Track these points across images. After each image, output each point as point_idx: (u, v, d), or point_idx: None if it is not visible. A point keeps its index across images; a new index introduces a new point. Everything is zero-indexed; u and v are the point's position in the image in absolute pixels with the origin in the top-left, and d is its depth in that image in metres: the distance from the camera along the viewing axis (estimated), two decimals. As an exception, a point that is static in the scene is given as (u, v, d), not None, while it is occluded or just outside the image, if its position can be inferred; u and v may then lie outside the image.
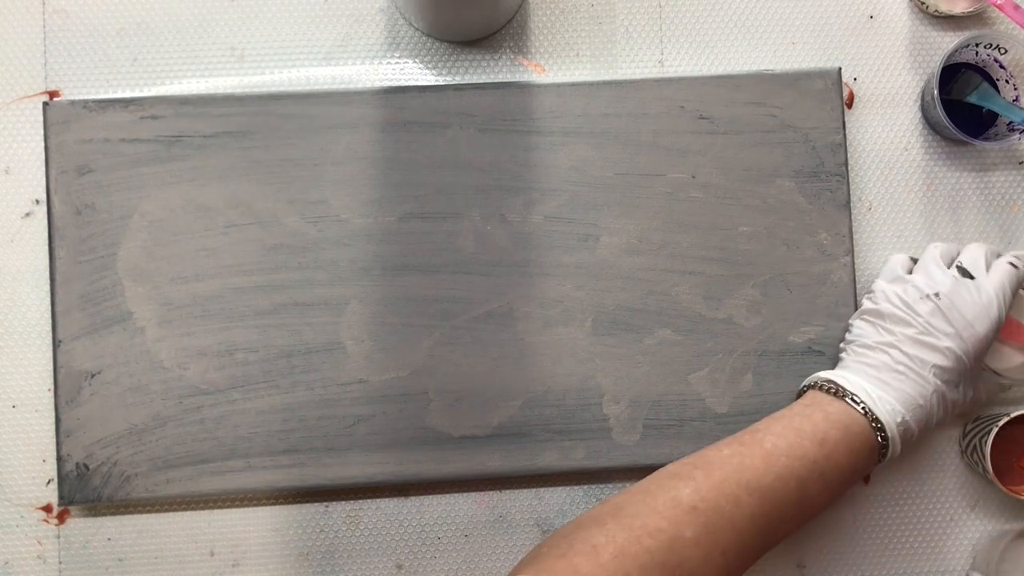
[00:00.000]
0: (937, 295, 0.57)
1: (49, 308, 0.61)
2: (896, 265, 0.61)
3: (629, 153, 0.63)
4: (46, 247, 0.62)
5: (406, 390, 0.62)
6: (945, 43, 0.67)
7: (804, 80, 0.64)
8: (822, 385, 0.57)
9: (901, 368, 0.56)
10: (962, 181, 0.67)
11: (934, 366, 0.56)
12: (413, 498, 0.64)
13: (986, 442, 0.60)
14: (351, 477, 0.61)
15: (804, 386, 0.59)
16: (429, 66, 0.65)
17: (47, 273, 0.62)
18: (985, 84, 0.65)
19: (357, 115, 0.62)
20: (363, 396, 0.62)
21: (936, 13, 0.66)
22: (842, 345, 0.61)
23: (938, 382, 0.56)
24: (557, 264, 0.63)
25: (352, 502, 0.63)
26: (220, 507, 0.63)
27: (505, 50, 0.66)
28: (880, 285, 0.60)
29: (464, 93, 0.63)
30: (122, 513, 0.63)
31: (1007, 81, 0.65)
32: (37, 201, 0.63)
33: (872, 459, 0.55)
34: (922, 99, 0.66)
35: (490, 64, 0.65)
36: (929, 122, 0.66)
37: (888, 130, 0.66)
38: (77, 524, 0.62)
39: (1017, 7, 0.63)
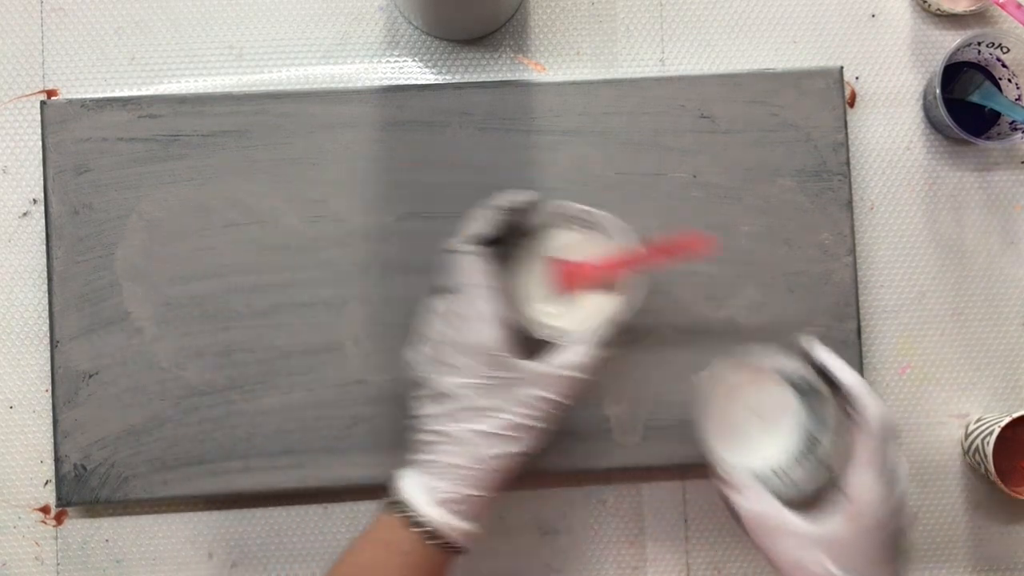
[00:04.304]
0: (428, 342, 0.52)
1: (47, 308, 0.61)
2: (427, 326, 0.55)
3: (630, 152, 0.63)
4: (43, 247, 0.62)
5: (405, 390, 0.61)
6: (947, 42, 0.66)
7: (806, 79, 0.64)
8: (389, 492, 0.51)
9: (431, 437, 0.50)
10: (964, 180, 0.66)
11: (461, 410, 0.50)
12: (412, 499, 0.63)
13: (988, 443, 0.60)
14: (350, 478, 0.61)
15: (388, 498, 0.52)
16: (428, 65, 0.65)
17: (45, 273, 0.62)
18: (987, 83, 0.65)
19: (356, 114, 0.62)
20: (362, 397, 0.61)
21: (938, 12, 0.66)
22: None
23: (474, 428, 0.49)
24: (557, 264, 0.62)
25: (351, 503, 0.63)
26: (218, 508, 0.62)
27: (505, 48, 0.65)
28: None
29: (464, 92, 0.63)
30: (120, 514, 0.62)
31: (1009, 80, 0.65)
32: (35, 201, 0.63)
33: (433, 556, 0.49)
34: (924, 98, 0.66)
35: (490, 63, 0.65)
36: (931, 121, 0.66)
37: (890, 129, 0.66)
38: (75, 525, 0.62)
39: (1019, 6, 0.62)
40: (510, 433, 0.50)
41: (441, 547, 0.49)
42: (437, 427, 0.50)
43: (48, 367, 0.62)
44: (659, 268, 0.51)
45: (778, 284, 0.63)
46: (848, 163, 0.64)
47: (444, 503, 0.49)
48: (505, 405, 0.50)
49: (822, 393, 0.54)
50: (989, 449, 0.60)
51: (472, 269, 0.51)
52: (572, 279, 0.55)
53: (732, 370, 0.55)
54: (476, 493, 0.50)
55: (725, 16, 0.66)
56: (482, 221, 0.53)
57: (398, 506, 0.50)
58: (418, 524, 0.49)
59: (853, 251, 0.63)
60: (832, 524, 0.50)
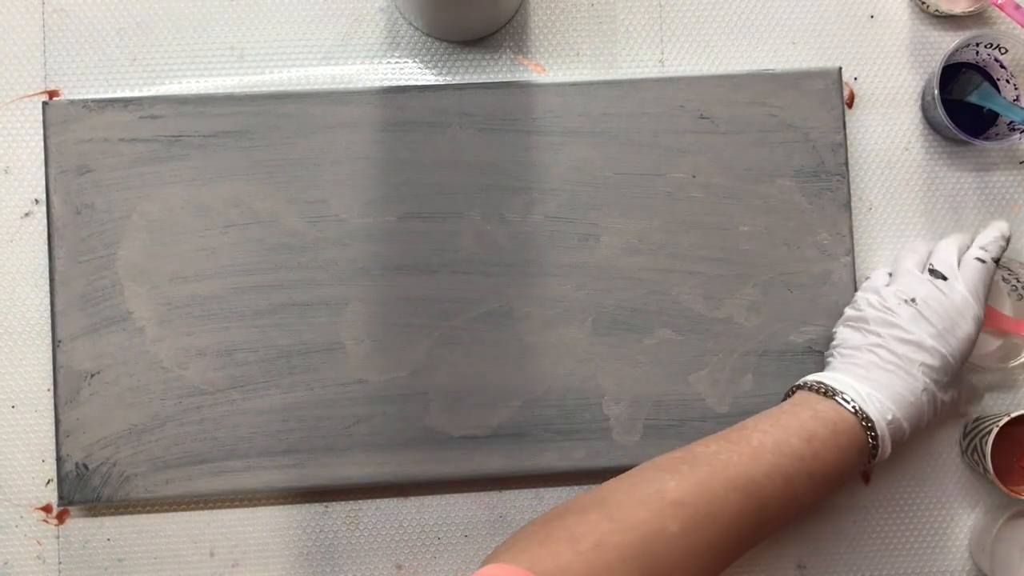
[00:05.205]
0: (914, 300, 0.57)
1: (48, 308, 0.61)
2: (876, 278, 0.61)
3: (629, 153, 0.63)
4: (46, 247, 0.62)
5: (406, 390, 0.62)
6: (946, 43, 0.67)
7: (805, 80, 0.64)
8: (811, 385, 0.57)
9: (890, 367, 0.56)
10: (963, 181, 0.67)
11: (923, 364, 0.55)
12: (413, 498, 0.63)
13: (987, 442, 0.60)
14: (351, 477, 0.61)
15: (793, 387, 0.58)
16: (429, 66, 0.65)
17: (47, 273, 0.62)
18: (986, 84, 0.65)
19: (357, 115, 0.62)
20: (363, 396, 0.61)
21: (937, 13, 0.66)
22: (827, 352, 0.61)
23: (927, 380, 0.56)
24: (557, 264, 0.63)
25: (352, 502, 0.63)
26: (220, 507, 0.63)
27: (505, 49, 0.65)
28: (860, 295, 0.60)
29: (464, 93, 0.63)
30: (122, 513, 0.62)
31: (1008, 81, 0.65)
32: (36, 201, 0.63)
33: (862, 458, 0.54)
34: (923, 99, 0.66)
35: (490, 64, 0.65)
36: (930, 122, 0.66)
37: (889, 130, 0.66)
38: (76, 524, 0.62)
39: (1017, 7, 0.63)
40: (939, 407, 0.57)
41: (868, 460, 0.55)
42: (893, 360, 0.56)
43: (50, 366, 0.62)
44: None
45: (777, 284, 0.63)
46: (847, 163, 0.64)
47: (889, 424, 0.54)
48: (948, 386, 0.57)
49: None
50: (987, 448, 0.60)
51: (979, 277, 0.58)
52: (993, 324, 0.63)
53: None
54: (909, 429, 0.55)
55: (724, 17, 0.66)
56: (1001, 241, 0.59)
57: (850, 403, 0.54)
58: (871, 430, 0.54)
59: (852, 251, 0.64)
60: None
